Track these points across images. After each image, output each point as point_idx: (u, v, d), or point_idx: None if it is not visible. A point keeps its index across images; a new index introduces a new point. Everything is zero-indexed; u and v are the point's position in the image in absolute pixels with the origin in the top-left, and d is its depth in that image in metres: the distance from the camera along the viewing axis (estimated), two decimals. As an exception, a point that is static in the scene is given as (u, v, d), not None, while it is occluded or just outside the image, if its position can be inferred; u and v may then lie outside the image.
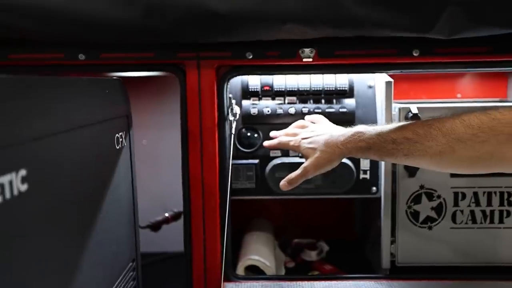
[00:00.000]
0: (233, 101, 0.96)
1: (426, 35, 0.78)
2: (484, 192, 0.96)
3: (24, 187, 0.42)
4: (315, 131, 0.85)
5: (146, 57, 0.87)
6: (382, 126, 0.74)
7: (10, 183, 0.40)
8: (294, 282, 0.95)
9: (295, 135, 0.88)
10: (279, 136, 0.92)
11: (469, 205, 0.96)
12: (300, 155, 0.97)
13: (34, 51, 0.86)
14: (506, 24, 0.75)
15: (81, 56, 0.86)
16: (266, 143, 0.94)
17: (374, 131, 0.73)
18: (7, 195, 0.40)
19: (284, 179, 0.83)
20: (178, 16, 0.77)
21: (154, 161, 1.38)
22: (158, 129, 1.36)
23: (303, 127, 0.91)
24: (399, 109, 0.94)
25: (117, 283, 0.69)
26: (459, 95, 1.28)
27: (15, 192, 0.41)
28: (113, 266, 0.69)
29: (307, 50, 0.86)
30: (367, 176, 1.01)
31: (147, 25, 0.78)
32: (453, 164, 0.66)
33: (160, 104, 1.38)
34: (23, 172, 0.42)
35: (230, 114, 0.94)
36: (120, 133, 0.73)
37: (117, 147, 0.72)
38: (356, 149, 0.75)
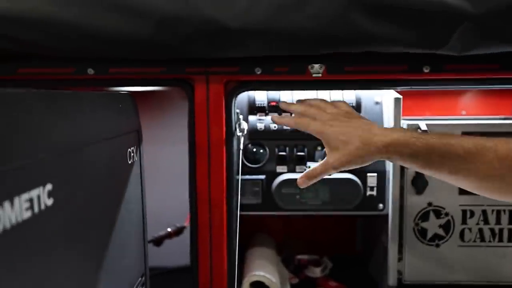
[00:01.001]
0: (240, 117, 0.96)
1: (437, 51, 0.78)
2: (493, 210, 0.97)
3: (50, 202, 0.44)
4: (345, 121, 0.73)
5: (154, 72, 0.87)
6: (427, 135, 0.67)
7: (38, 197, 0.42)
8: (302, 299, 0.94)
9: (314, 117, 0.75)
10: (288, 114, 0.79)
11: (477, 223, 0.97)
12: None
13: (43, 66, 0.86)
14: None
15: (90, 71, 0.87)
16: (276, 118, 0.82)
17: (421, 140, 0.65)
18: (36, 209, 0.41)
19: (303, 174, 0.75)
20: (190, 32, 0.78)
21: (155, 176, 1.38)
22: (158, 143, 1.36)
23: (321, 108, 0.77)
24: (408, 125, 0.96)
25: (127, 299, 0.70)
26: (463, 112, 1.30)
27: (43, 207, 0.42)
28: (125, 281, 0.69)
29: (316, 66, 0.86)
30: (374, 192, 1.02)
31: (158, 41, 0.79)
32: (495, 191, 0.64)
33: (160, 118, 1.39)
34: (49, 187, 0.44)
35: (237, 129, 0.94)
36: (132, 148, 0.74)
37: (129, 162, 0.73)
38: (399, 154, 0.66)
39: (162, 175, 1.33)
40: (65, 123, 0.50)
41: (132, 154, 0.75)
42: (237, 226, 0.91)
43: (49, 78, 0.88)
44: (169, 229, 1.26)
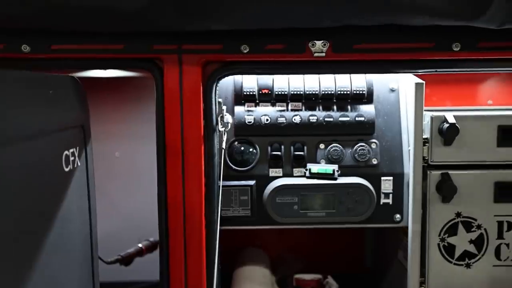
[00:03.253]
0: (224, 107, 0.89)
1: (472, 23, 0.72)
2: (537, 222, 0.90)
3: None
4: None
5: (110, 49, 0.79)
6: None
7: None
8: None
9: None
10: None
11: (518, 238, 0.90)
12: (307, 175, 0.91)
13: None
14: None
15: (25, 48, 0.78)
16: None
17: None
18: None
19: None
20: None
21: (129, 178, 1.36)
22: (135, 140, 1.32)
23: None
24: (431, 117, 0.87)
25: None
26: (490, 102, 1.23)
27: None
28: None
29: (319, 43, 0.80)
30: (389, 200, 0.94)
31: (112, 6, 0.71)
32: None
33: (138, 111, 1.35)
34: None
35: (219, 123, 0.88)
36: (71, 150, 0.63)
37: (66, 169, 0.61)
38: None
39: (140, 176, 1.30)
40: None
41: (71, 158, 0.62)
42: (218, 244, 0.85)
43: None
44: (139, 245, 1.18)
